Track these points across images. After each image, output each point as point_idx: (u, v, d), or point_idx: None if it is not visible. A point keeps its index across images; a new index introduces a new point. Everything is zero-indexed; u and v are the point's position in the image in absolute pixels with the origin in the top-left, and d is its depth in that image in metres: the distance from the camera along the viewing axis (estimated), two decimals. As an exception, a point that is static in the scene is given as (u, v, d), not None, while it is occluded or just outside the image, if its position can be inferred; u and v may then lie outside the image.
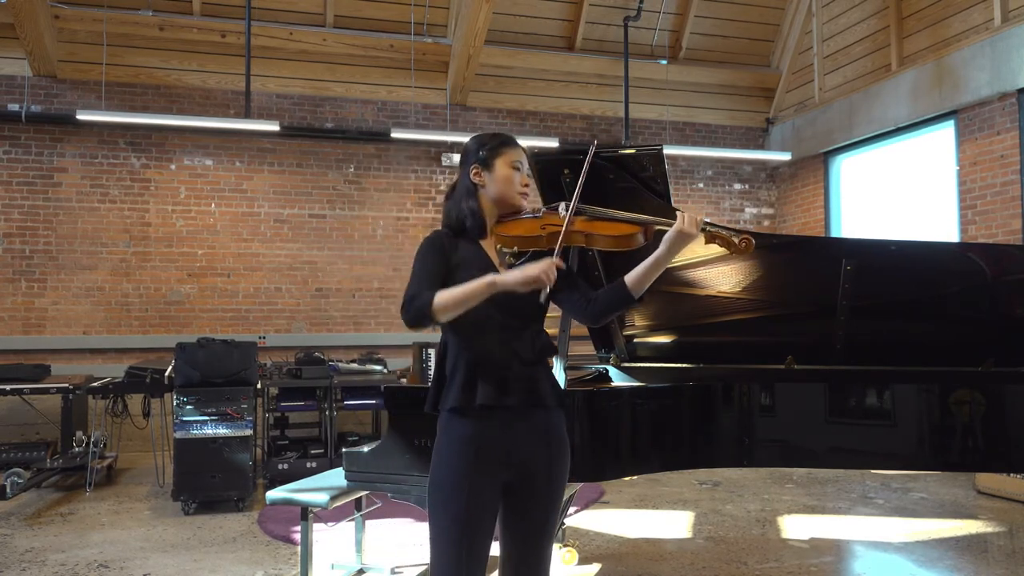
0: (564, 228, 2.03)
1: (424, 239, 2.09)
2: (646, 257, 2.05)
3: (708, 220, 2.09)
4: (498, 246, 2.10)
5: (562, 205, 2.12)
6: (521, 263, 2.06)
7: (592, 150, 2.23)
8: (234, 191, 7.73)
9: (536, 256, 2.06)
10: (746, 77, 9.19)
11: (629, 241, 2.08)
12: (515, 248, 2.08)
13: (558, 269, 1.93)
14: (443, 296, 1.89)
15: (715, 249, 3.13)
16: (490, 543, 2.01)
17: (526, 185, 2.14)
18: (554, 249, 1.99)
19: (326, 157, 7.97)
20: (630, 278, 2.04)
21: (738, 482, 5.96)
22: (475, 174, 2.10)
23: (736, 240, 2.09)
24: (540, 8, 8.39)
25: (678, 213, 2.02)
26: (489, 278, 1.89)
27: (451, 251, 2.05)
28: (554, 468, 2.07)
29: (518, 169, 2.12)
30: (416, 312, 1.90)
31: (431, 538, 2.00)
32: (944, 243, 6.04)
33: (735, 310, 3.36)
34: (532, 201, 2.21)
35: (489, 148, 2.11)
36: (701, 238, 2.05)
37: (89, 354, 7.24)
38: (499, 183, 2.09)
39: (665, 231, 2.05)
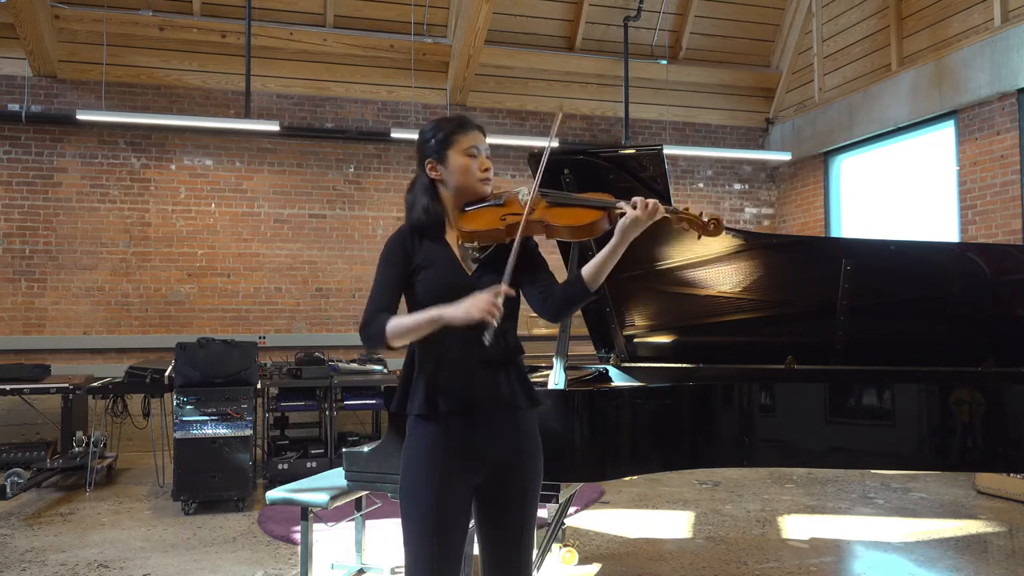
0: (521, 231, 1.93)
1: (388, 240, 2.04)
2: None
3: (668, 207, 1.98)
4: (460, 242, 2.03)
5: (523, 190, 2.03)
6: (485, 256, 2.02)
7: (556, 122, 2.16)
8: (234, 191, 7.73)
9: (499, 250, 1.98)
10: (746, 77, 9.19)
11: (591, 229, 1.98)
12: (476, 243, 2.01)
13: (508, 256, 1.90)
14: (394, 327, 1.89)
15: (714, 248, 3.15)
16: (463, 544, 1.99)
17: (486, 169, 2.04)
18: (512, 242, 1.91)
19: (326, 157, 7.97)
20: (587, 270, 1.96)
21: (738, 482, 5.96)
22: (431, 168, 2.03)
23: (705, 220, 2.00)
24: (540, 8, 8.38)
25: (636, 199, 1.93)
26: (435, 313, 1.85)
27: (414, 251, 2.00)
28: (526, 469, 2.02)
29: (474, 155, 2.02)
30: (372, 341, 1.93)
31: (404, 541, 1.97)
32: (944, 243, 6.04)
33: (735, 310, 3.36)
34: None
35: (441, 138, 2.01)
36: (663, 215, 1.95)
37: (89, 354, 7.24)
38: (456, 175, 2.01)
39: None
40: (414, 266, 1.99)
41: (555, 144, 2.13)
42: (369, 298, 1.98)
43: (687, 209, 2.02)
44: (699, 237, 2.05)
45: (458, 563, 1.97)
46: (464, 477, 1.96)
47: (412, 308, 2.00)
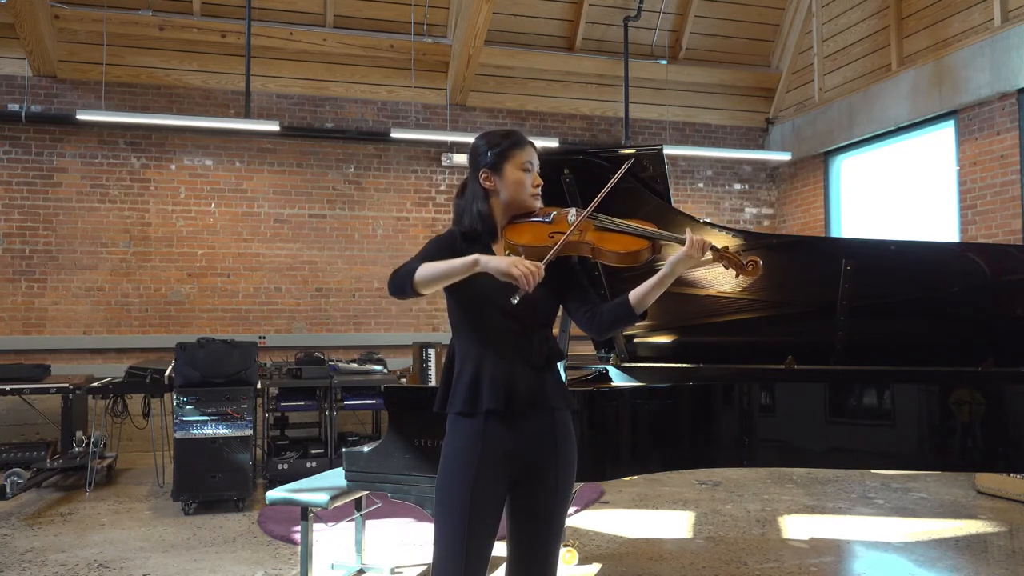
0: (565, 237, 1.99)
1: (439, 235, 2.10)
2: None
3: (714, 245, 2.07)
4: (507, 252, 2.08)
5: (573, 211, 2.10)
6: None
7: (627, 165, 2.19)
8: (234, 191, 7.73)
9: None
10: (746, 77, 9.19)
11: (636, 257, 2.06)
12: (523, 256, 2.06)
13: (558, 272, 1.93)
14: (426, 267, 1.90)
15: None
16: (493, 543, 2.02)
17: (538, 185, 2.12)
18: (556, 254, 1.98)
19: (326, 157, 7.97)
20: (634, 296, 2.04)
21: (738, 482, 5.96)
22: (485, 178, 2.08)
23: (744, 262, 2.06)
24: (540, 8, 8.38)
25: (687, 235, 2.01)
26: (473, 257, 1.88)
27: (461, 255, 2.03)
28: (561, 468, 2.07)
29: (528, 170, 2.09)
30: (399, 281, 1.94)
31: (435, 536, 2.01)
32: (944, 243, 6.04)
33: (735, 310, 3.36)
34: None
35: (498, 151, 2.07)
36: (708, 255, 2.04)
37: (89, 354, 7.24)
38: (510, 187, 2.07)
39: (674, 246, 2.04)
40: None
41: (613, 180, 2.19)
42: (407, 260, 2.01)
43: (727, 248, 2.10)
44: (737, 276, 2.11)
45: (486, 561, 2.00)
46: (500, 474, 2.01)
47: (454, 312, 2.06)
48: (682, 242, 2.01)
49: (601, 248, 2.05)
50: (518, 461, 2.02)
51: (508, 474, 2.02)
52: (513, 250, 2.07)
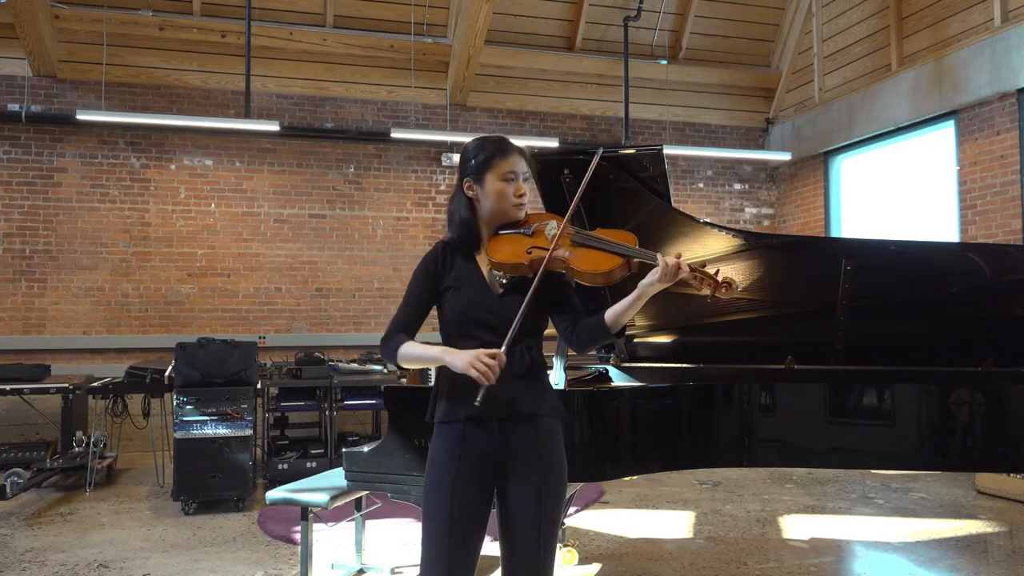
0: (544, 264, 1.99)
1: (424, 256, 2.14)
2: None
3: (690, 263, 2.01)
4: (488, 268, 2.10)
5: (553, 224, 2.09)
6: (511, 281, 2.10)
7: (593, 165, 2.15)
8: (234, 191, 7.73)
9: (520, 282, 2.05)
10: (746, 77, 9.19)
11: (609, 277, 2.05)
12: (502, 272, 2.08)
13: (546, 283, 1.97)
14: (404, 351, 2.03)
15: (715, 248, 3.15)
16: (479, 544, 2.04)
17: (522, 195, 2.10)
18: (528, 308, 1.97)
19: (326, 157, 7.97)
20: (609, 315, 2.05)
21: (738, 482, 5.96)
22: (468, 187, 2.10)
23: (719, 281, 2.03)
24: (540, 8, 8.38)
25: (658, 257, 1.98)
26: (439, 353, 1.98)
27: (445, 270, 2.09)
28: (546, 475, 2.05)
29: (511, 180, 2.08)
30: (386, 356, 2.08)
31: (422, 540, 2.04)
32: (944, 243, 6.04)
33: (735, 310, 3.36)
34: (533, 202, 2.19)
35: (480, 161, 2.07)
36: (682, 275, 1.99)
37: (89, 354, 7.24)
38: (491, 198, 2.08)
39: (649, 264, 2.01)
40: (444, 286, 2.08)
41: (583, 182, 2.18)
42: (397, 310, 2.11)
43: (704, 266, 2.04)
44: (710, 298, 2.05)
45: (472, 563, 2.01)
46: (481, 480, 2.03)
47: (442, 321, 2.11)
48: (655, 262, 1.98)
49: (574, 268, 2.05)
50: (499, 467, 2.04)
51: (489, 479, 2.04)
52: (495, 267, 2.08)
